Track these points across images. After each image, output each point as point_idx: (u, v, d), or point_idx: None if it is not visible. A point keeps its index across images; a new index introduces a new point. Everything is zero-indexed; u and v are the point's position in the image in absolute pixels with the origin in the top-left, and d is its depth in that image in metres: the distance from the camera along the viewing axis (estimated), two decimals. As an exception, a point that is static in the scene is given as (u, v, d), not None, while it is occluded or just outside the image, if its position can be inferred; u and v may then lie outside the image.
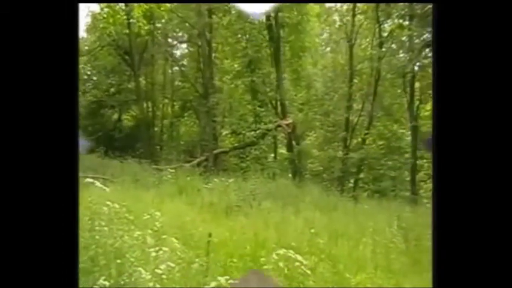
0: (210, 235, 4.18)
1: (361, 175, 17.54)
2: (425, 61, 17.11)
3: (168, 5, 14.81)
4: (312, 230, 5.59)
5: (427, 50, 16.01)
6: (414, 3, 15.65)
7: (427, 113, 19.52)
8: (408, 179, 17.11)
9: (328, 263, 4.80)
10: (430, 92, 18.79)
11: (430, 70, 17.73)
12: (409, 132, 17.60)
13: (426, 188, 17.87)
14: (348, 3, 18.81)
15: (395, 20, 17.91)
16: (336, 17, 20.76)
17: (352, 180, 17.60)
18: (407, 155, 17.55)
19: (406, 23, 16.74)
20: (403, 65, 16.43)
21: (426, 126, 18.86)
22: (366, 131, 17.47)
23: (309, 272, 3.66)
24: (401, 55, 16.82)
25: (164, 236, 4.43)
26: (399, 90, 18.35)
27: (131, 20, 17.95)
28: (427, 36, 15.50)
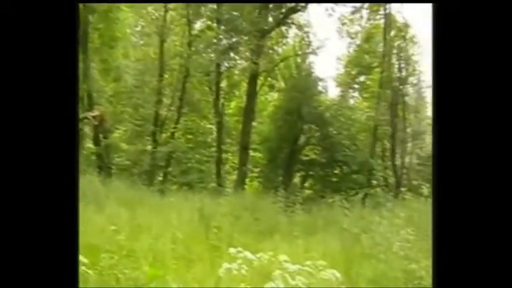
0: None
1: (170, 169, 17.90)
2: (231, 62, 18.47)
3: None
4: (113, 227, 5.55)
5: (232, 52, 17.27)
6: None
7: (231, 110, 21.10)
8: (214, 171, 18.19)
9: (129, 259, 4.87)
10: (234, 91, 20.36)
11: (234, 71, 19.17)
12: (215, 128, 18.72)
13: (231, 179, 19.32)
14: None
15: (205, 21, 18.78)
16: (150, 10, 20.49)
17: (161, 174, 17.83)
18: (213, 149, 18.65)
19: (215, 25, 17.71)
20: (210, 65, 17.38)
21: (230, 122, 20.38)
22: (175, 126, 17.90)
23: (90, 271, 3.63)
24: (208, 55, 17.69)
25: None
26: (206, 88, 19.33)
27: None
28: (234, 40, 16.67)
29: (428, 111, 27.08)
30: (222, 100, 19.11)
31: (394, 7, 19.62)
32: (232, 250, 3.22)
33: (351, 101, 22.93)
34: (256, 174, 20.06)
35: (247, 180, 18.35)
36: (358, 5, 19.47)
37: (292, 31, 19.95)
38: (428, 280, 4.34)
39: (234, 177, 18.84)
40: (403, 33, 20.66)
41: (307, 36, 19.57)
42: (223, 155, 19.04)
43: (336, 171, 18.56)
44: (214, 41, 17.09)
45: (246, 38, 15.73)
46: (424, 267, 4.55)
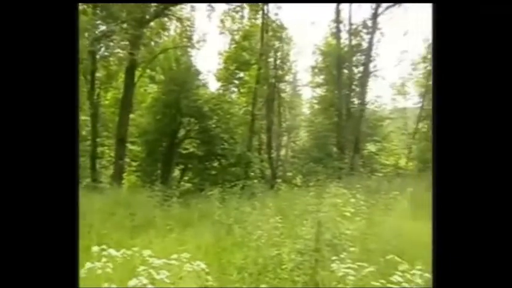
0: None
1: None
2: (108, 51, 17.54)
3: None
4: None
5: (108, 41, 16.45)
6: None
7: (107, 102, 20.11)
8: (89, 166, 17.23)
9: None
10: (111, 81, 19.45)
11: (112, 60, 18.29)
12: (90, 120, 17.71)
13: (108, 174, 18.45)
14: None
15: (79, 4, 17.54)
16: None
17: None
18: (88, 142, 17.63)
19: (90, 9, 16.63)
20: (82, 51, 16.29)
21: (107, 114, 19.43)
22: (44, 117, 16.51)
23: None
24: (82, 41, 16.56)
25: None
26: (81, 77, 18.12)
27: None
28: (111, 27, 15.85)
29: (303, 108, 29.06)
30: (97, 90, 18.13)
31: (272, 9, 20.58)
32: (95, 248, 3.16)
33: (232, 96, 23.48)
34: (134, 168, 19.48)
35: (124, 174, 17.72)
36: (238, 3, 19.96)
37: (173, 23, 19.72)
38: (290, 264, 4.74)
39: (110, 171, 18.04)
40: (279, 34, 21.78)
41: (188, 30, 19.52)
42: (99, 149, 18.14)
43: (214, 164, 18.87)
44: (89, 26, 16.05)
45: (123, 26, 15.10)
46: (287, 252, 4.94)
